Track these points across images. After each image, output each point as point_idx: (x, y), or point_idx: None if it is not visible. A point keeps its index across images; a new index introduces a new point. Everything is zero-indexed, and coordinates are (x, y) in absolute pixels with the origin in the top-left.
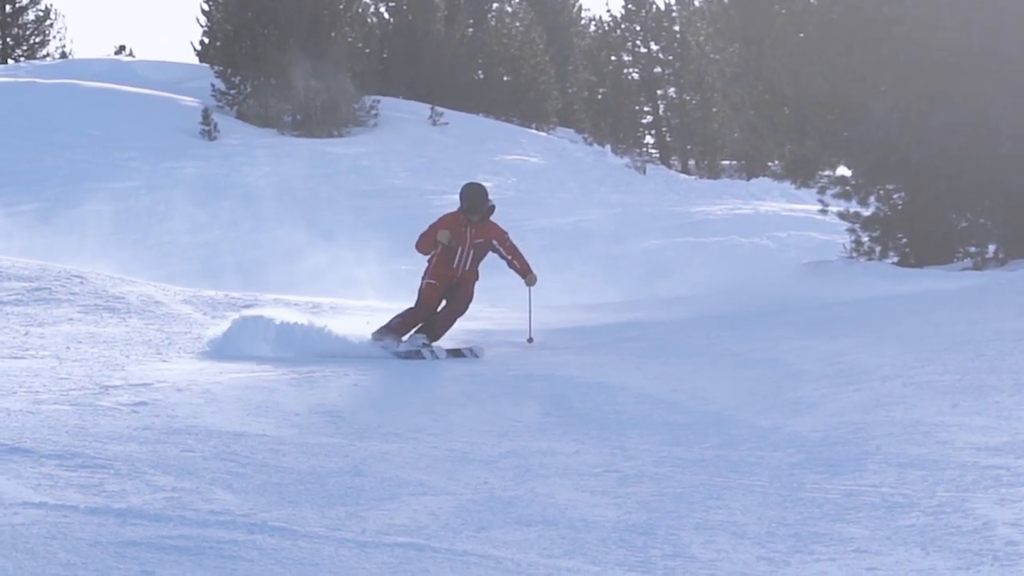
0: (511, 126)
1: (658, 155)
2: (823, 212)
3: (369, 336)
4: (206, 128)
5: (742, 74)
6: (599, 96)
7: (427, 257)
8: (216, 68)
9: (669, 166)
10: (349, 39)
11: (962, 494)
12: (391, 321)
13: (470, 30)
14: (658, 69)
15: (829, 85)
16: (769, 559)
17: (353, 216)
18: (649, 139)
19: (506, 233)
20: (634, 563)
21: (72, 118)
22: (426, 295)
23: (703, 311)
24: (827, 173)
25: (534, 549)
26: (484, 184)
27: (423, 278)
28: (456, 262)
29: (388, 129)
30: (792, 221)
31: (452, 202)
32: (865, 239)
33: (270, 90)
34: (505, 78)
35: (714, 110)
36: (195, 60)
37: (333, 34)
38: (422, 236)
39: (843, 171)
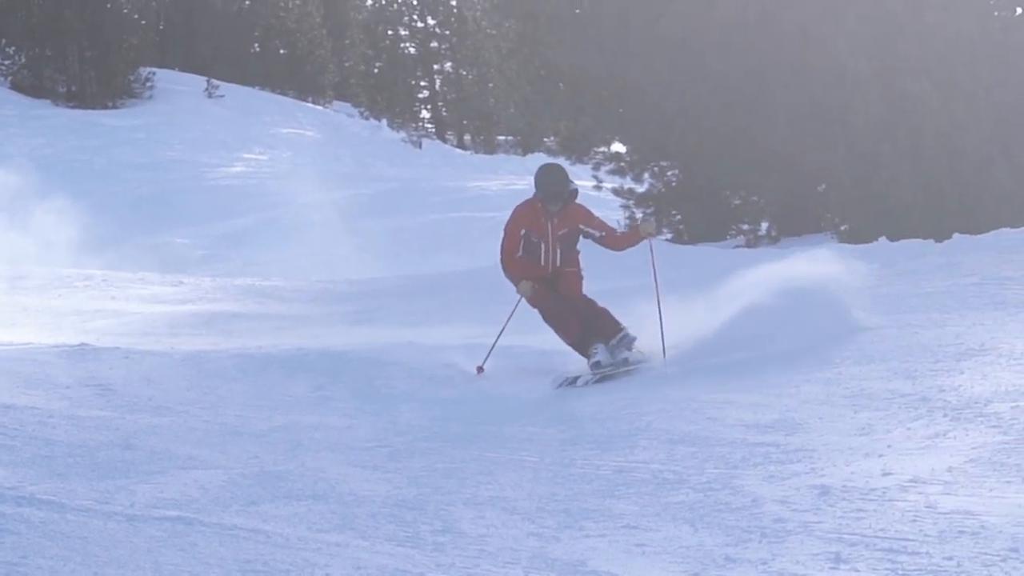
0: (287, 99)
1: (434, 130)
2: (598, 188)
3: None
4: None
5: (518, 49)
6: (376, 70)
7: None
8: None
9: (445, 141)
10: (125, 10)
11: (731, 471)
12: (567, 340)
13: (247, 2)
14: (435, 44)
15: (605, 62)
16: (539, 534)
17: (126, 188)
18: (425, 114)
19: (591, 211)
20: (404, 538)
21: None
22: (539, 302)
23: (477, 285)
24: (602, 149)
25: (304, 524)
26: (557, 165)
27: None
28: (544, 259)
29: (164, 101)
30: None
31: (228, 175)
32: (639, 216)
33: (45, 61)
34: (282, 51)
35: (490, 85)
36: None
37: (109, 5)
38: (504, 252)
39: (618, 148)
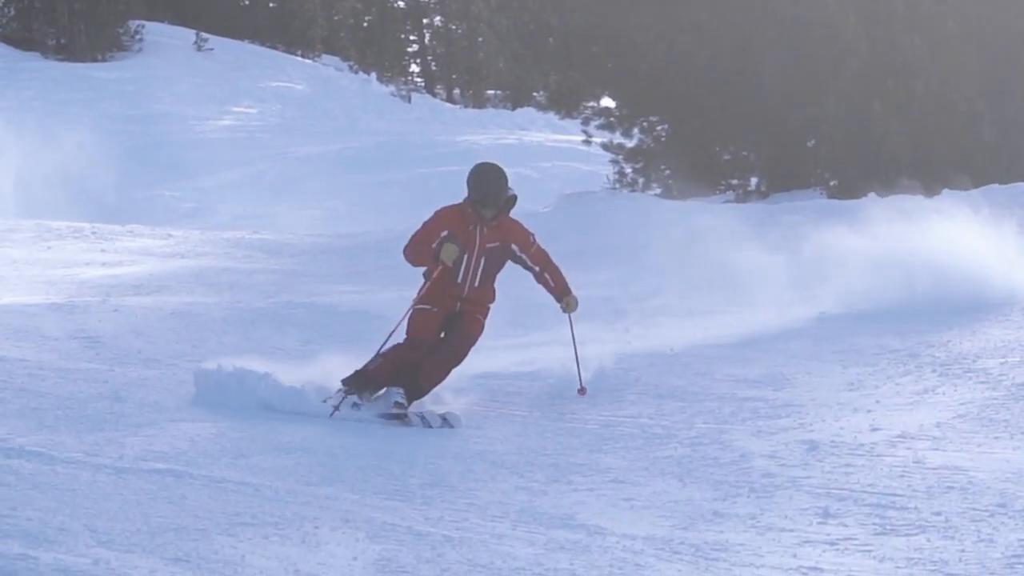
0: (276, 52)
1: (423, 84)
2: (587, 143)
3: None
4: None
5: (507, 3)
6: (365, 24)
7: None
8: None
9: (434, 95)
10: None
11: (720, 426)
12: (369, 363)
13: None
14: None
15: (594, 15)
16: (527, 488)
17: (116, 141)
18: (415, 68)
19: (531, 235)
20: (392, 491)
21: None
22: (417, 325)
23: None
24: (591, 104)
25: (292, 476)
26: (494, 165)
27: (414, 300)
28: (461, 275)
29: (153, 54)
30: (556, 151)
31: (218, 128)
32: (628, 170)
33: (34, 13)
34: (271, 4)
35: (480, 39)
36: None
37: None
38: (413, 240)
39: (607, 102)
